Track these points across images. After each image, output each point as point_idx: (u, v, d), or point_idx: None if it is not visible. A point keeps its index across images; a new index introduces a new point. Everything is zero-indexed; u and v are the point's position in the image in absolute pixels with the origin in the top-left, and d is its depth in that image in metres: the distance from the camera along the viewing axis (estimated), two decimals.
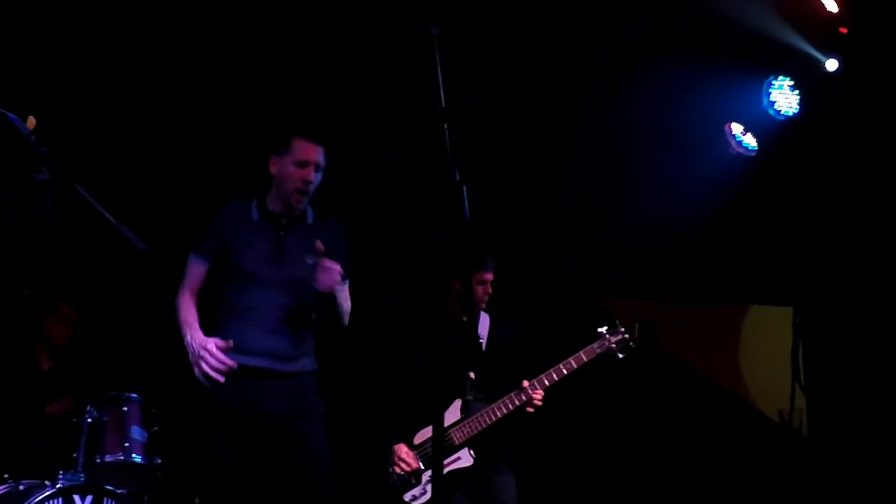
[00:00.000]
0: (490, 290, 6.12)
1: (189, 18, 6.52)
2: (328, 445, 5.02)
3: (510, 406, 5.82)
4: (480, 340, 6.13)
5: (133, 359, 6.58)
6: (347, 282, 5.04)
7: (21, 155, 3.21)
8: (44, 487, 5.33)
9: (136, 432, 5.78)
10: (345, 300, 5.06)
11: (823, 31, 7.12)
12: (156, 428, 5.85)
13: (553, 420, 6.46)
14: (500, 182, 7.20)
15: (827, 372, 7.73)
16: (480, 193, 3.62)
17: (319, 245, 4.79)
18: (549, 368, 5.94)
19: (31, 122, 3.20)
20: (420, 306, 6.36)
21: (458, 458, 5.80)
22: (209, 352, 4.79)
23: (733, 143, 7.51)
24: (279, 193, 5.02)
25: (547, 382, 5.87)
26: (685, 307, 8.58)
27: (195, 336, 4.89)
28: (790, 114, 7.35)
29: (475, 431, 5.82)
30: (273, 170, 5.02)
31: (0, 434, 6.04)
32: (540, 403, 5.87)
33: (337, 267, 4.79)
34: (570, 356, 5.96)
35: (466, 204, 3.38)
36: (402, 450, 5.85)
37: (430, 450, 5.83)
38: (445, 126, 3.45)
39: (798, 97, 7.34)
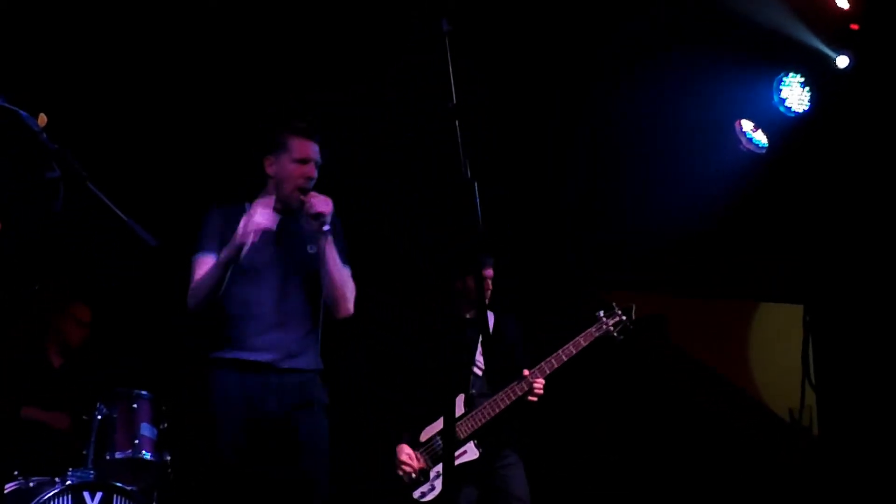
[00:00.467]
0: (490, 287, 6.10)
1: (199, 15, 6.51)
2: (329, 441, 4.93)
3: (512, 396, 5.81)
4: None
5: (143, 356, 6.60)
6: (349, 268, 4.94)
7: (32, 152, 3.20)
8: (53, 484, 5.34)
9: (146, 429, 5.78)
10: (347, 281, 4.91)
11: (835, 28, 7.11)
12: (165, 425, 5.84)
13: (563, 415, 6.46)
14: (505, 179, 7.18)
15: (837, 370, 7.71)
16: (484, 191, 3.60)
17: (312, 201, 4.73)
18: (549, 356, 5.92)
19: (42, 119, 3.19)
20: (420, 305, 6.36)
21: (465, 452, 5.79)
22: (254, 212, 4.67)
23: (744, 139, 7.49)
24: (279, 193, 4.87)
25: (547, 370, 5.85)
26: (695, 303, 8.57)
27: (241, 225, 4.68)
28: (801, 111, 7.34)
29: (479, 424, 5.81)
30: (271, 170, 4.90)
31: (9, 430, 6.06)
32: (541, 391, 5.84)
33: (329, 199, 4.73)
34: (569, 342, 5.93)
35: (478, 201, 3.36)
36: (404, 451, 5.84)
37: (436, 446, 5.83)
38: (457, 123, 3.43)
39: (809, 94, 7.33)
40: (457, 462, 5.72)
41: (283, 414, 4.79)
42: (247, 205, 4.85)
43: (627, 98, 7.25)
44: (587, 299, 6.97)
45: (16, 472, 5.43)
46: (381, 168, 7.18)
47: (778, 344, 8.28)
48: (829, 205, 7.67)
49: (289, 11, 6.62)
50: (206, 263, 4.80)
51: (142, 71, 6.66)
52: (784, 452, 8.02)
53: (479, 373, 5.98)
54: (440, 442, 5.83)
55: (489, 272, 6.06)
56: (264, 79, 6.90)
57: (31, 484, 5.37)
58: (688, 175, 7.49)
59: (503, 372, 5.88)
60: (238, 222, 4.71)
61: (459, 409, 5.86)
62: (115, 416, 5.70)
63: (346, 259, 4.93)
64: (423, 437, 5.91)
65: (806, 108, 7.33)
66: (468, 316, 6.14)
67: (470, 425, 5.81)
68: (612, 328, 5.96)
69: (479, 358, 6.02)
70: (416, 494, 5.79)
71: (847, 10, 6.94)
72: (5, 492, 5.34)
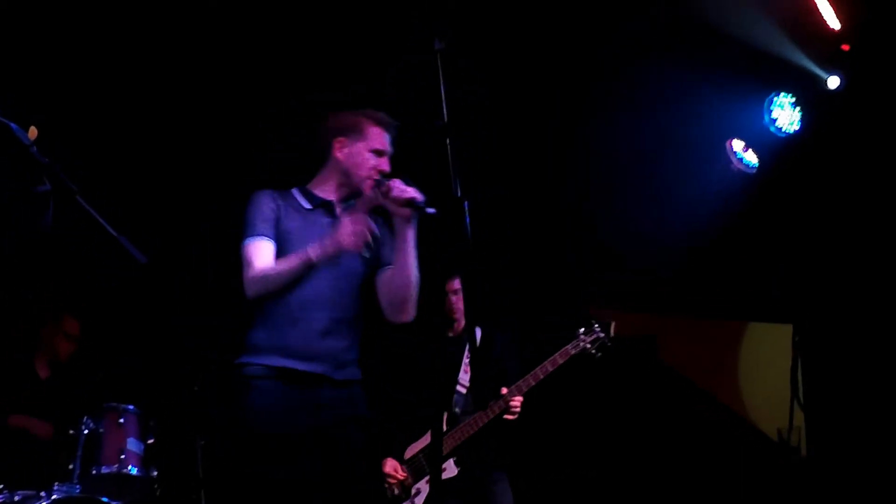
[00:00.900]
0: (462, 298, 6.09)
1: (187, 36, 6.51)
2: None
3: (490, 415, 5.83)
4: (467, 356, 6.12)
5: (130, 370, 6.59)
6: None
7: (22, 165, 3.19)
8: (39, 498, 5.30)
9: (133, 444, 5.76)
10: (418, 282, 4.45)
11: (826, 49, 7.13)
12: (152, 440, 5.82)
13: (554, 433, 6.46)
14: (498, 195, 7.19)
15: (826, 390, 7.72)
16: (479, 206, 3.60)
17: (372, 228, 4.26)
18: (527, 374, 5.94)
19: (33, 132, 3.18)
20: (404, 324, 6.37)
21: (444, 469, 5.81)
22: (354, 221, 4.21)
23: (734, 159, 7.50)
24: (347, 179, 4.47)
25: (524, 388, 5.87)
26: (685, 322, 8.58)
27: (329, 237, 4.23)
28: (791, 131, 7.36)
29: (457, 442, 5.83)
30: (341, 153, 4.47)
31: None
32: (519, 409, 5.85)
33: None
34: (546, 360, 5.95)
35: (468, 220, 3.36)
36: (388, 464, 5.89)
37: (419, 463, 5.86)
38: (448, 141, 3.43)
39: (800, 114, 7.35)
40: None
41: (334, 430, 4.38)
42: (294, 191, 4.53)
43: (618, 117, 7.26)
44: (575, 316, 6.96)
45: (1, 486, 5.40)
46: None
47: (767, 364, 8.28)
48: (819, 225, 7.69)
49: (280, 26, 6.61)
50: (265, 248, 4.35)
51: (135, 85, 6.65)
52: (773, 472, 8.01)
53: (463, 391, 6.00)
54: (423, 459, 5.85)
55: (454, 285, 6.07)
56: (252, 94, 6.90)
57: (17, 497, 5.33)
58: (679, 194, 7.50)
59: (488, 389, 5.89)
60: (290, 209, 4.41)
61: (442, 427, 5.88)
62: (101, 430, 5.68)
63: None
64: (408, 454, 5.92)
65: (797, 128, 7.36)
66: (451, 334, 6.16)
67: (449, 443, 5.83)
68: (589, 345, 5.98)
69: (464, 375, 6.03)
70: None
71: (838, 30, 6.96)
72: None
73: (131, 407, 5.84)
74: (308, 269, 4.23)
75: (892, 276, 7.42)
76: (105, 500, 5.40)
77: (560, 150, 7.58)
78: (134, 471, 5.68)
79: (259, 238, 4.35)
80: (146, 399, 6.02)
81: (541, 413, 6.11)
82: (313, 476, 4.28)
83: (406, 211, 4.23)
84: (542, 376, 5.92)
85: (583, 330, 6.01)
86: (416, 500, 5.83)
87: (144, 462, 5.75)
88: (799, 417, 7.43)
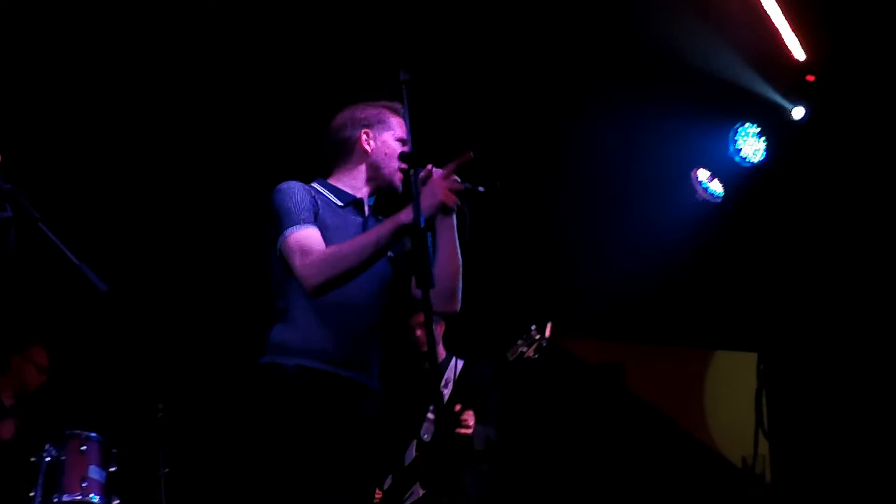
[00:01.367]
0: (421, 332, 6.12)
1: (150, 65, 6.49)
2: None
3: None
4: (446, 385, 6.14)
5: (93, 398, 6.55)
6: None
7: None
8: None
9: (95, 472, 5.72)
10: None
11: (791, 80, 7.20)
12: (114, 468, 5.78)
13: (518, 461, 6.46)
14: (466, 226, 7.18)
15: (790, 418, 7.75)
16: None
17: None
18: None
19: None
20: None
21: (412, 493, 5.82)
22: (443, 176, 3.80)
23: (700, 189, 7.55)
24: (377, 172, 4.14)
25: (472, 405, 5.90)
26: (652, 350, 8.61)
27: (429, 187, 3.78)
28: (756, 161, 7.42)
29: (422, 467, 5.86)
30: (369, 145, 4.14)
31: None
32: (470, 424, 5.85)
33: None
34: None
35: (431, 250, 3.36)
36: None
37: (389, 487, 5.88)
38: (411, 171, 3.42)
39: (765, 144, 7.41)
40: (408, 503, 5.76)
41: (368, 443, 4.02)
42: (318, 186, 4.12)
43: (585, 147, 7.29)
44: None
45: None
46: None
47: (732, 392, 8.32)
48: (784, 254, 7.74)
49: (240, 61, 6.60)
50: (314, 235, 3.87)
51: (97, 114, 6.62)
52: (738, 500, 8.03)
53: (433, 417, 6.01)
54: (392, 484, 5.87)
55: (419, 319, 6.07)
56: (232, 123, 6.89)
57: None
58: (645, 223, 7.53)
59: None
60: (325, 203, 3.99)
61: (412, 455, 5.88)
62: (63, 458, 5.64)
63: None
64: (386, 483, 5.93)
65: (762, 158, 7.42)
66: (427, 365, 6.17)
67: (417, 469, 5.85)
68: (525, 349, 5.98)
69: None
70: None
71: (803, 61, 7.02)
72: None
73: (94, 434, 5.80)
74: (397, 239, 3.74)
75: (854, 305, 7.48)
76: None
77: (528, 180, 7.59)
78: (96, 499, 5.64)
79: (305, 226, 3.86)
80: (109, 426, 5.98)
81: (507, 440, 6.11)
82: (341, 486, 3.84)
83: (453, 199, 3.89)
84: (483, 393, 5.95)
85: (522, 338, 6.03)
86: None
87: (106, 490, 5.72)
88: (763, 445, 7.45)
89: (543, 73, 6.87)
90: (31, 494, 5.52)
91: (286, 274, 3.89)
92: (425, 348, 6.12)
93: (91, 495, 5.63)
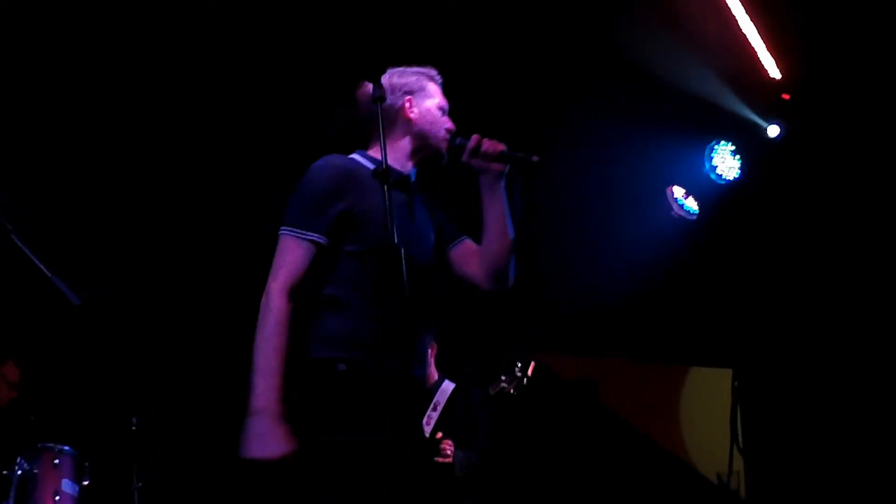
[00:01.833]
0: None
1: (121, 76, 6.47)
2: None
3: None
4: (435, 409, 6.18)
5: (66, 411, 6.51)
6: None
7: None
8: None
9: (68, 486, 5.67)
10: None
11: (766, 98, 7.24)
12: (87, 481, 5.75)
13: (493, 478, 6.45)
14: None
15: (765, 434, 7.78)
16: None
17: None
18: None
19: None
20: None
21: None
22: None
23: (675, 206, 7.58)
24: (423, 142, 3.85)
25: (455, 431, 5.96)
26: (627, 366, 8.63)
27: (274, 430, 3.33)
28: (731, 178, 7.46)
29: None
30: (412, 113, 3.84)
31: None
32: (450, 452, 5.88)
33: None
34: None
35: (404, 267, 3.33)
36: None
37: None
38: (385, 187, 3.41)
39: (739, 162, 7.46)
40: None
41: (419, 440, 3.87)
42: (359, 158, 3.80)
43: (560, 164, 7.31)
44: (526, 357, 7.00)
45: None
46: None
47: (708, 408, 8.34)
48: (759, 270, 7.78)
49: (211, 81, 6.60)
50: (299, 249, 3.55)
51: (70, 124, 6.60)
52: None
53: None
54: None
55: None
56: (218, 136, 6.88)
57: None
58: (620, 240, 7.56)
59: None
60: (362, 182, 3.63)
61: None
62: (35, 471, 5.59)
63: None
64: None
65: (736, 175, 7.46)
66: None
67: None
68: (505, 385, 6.04)
69: (426, 427, 6.06)
70: None
71: (778, 80, 7.07)
72: None
73: (67, 448, 5.76)
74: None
75: (829, 321, 7.52)
76: None
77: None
78: None
79: (305, 236, 3.54)
80: (82, 440, 5.95)
81: (489, 458, 6.15)
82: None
83: (499, 166, 3.76)
84: (470, 417, 6.01)
85: (504, 373, 6.09)
86: None
87: None
88: (738, 461, 7.47)
89: (521, 90, 6.89)
90: None
91: (335, 257, 3.59)
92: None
93: None
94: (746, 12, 6.74)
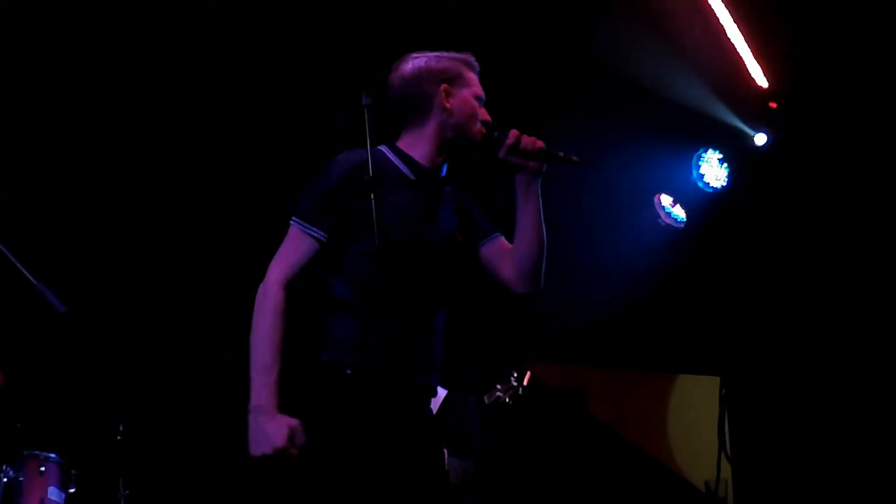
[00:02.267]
0: None
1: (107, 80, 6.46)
2: None
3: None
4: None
5: (52, 419, 6.50)
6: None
7: None
8: None
9: (54, 493, 5.65)
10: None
11: (753, 106, 7.26)
12: (74, 489, 5.73)
13: (489, 489, 6.46)
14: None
15: (753, 442, 7.79)
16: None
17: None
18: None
19: None
20: None
21: None
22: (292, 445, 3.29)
23: (662, 214, 7.59)
24: (459, 134, 3.65)
25: (450, 437, 5.97)
26: (614, 374, 8.63)
27: (269, 423, 3.28)
28: (719, 186, 7.47)
29: None
30: (449, 102, 3.63)
31: None
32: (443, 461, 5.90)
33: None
34: None
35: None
36: None
37: None
38: (372, 196, 3.38)
39: (727, 170, 7.47)
40: None
41: (430, 446, 3.68)
42: (386, 151, 3.65)
43: (546, 172, 7.31)
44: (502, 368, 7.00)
45: None
46: None
47: (695, 415, 8.35)
48: (746, 279, 7.79)
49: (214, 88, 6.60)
50: (302, 242, 3.50)
51: (54, 128, 6.58)
52: None
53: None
54: None
55: None
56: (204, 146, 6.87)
57: None
58: (608, 248, 7.56)
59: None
60: (390, 177, 3.55)
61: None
62: (21, 479, 5.57)
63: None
64: None
65: (724, 183, 7.47)
66: None
67: None
68: (502, 394, 6.05)
69: None
70: None
71: (766, 88, 7.08)
72: None
73: (53, 455, 5.74)
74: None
75: (817, 329, 7.54)
76: None
77: (490, 203, 7.60)
78: None
79: (308, 230, 3.47)
80: (68, 447, 5.93)
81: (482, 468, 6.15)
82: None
83: (538, 164, 3.62)
84: (464, 425, 6.01)
85: (500, 382, 6.09)
86: None
87: None
88: (726, 469, 7.48)
89: (506, 99, 6.88)
90: None
91: (350, 256, 3.52)
92: None
93: None
94: (734, 20, 6.75)
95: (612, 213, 7.54)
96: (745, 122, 7.35)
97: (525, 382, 6.02)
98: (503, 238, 3.79)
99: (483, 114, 3.69)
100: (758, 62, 6.96)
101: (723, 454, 7.31)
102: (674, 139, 7.29)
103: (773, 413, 7.76)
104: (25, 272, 3.32)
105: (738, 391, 7.74)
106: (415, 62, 3.68)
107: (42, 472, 5.64)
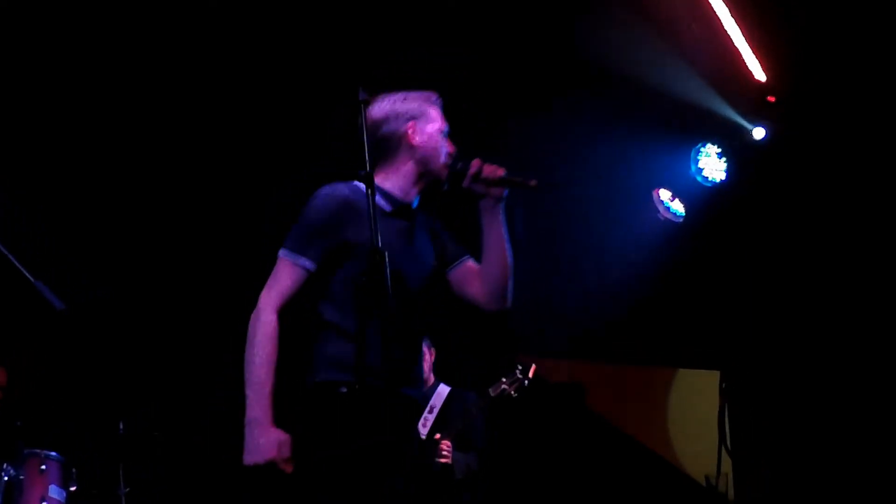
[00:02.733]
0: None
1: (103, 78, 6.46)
2: None
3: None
4: (431, 411, 6.24)
5: (53, 417, 6.50)
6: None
7: None
8: None
9: (55, 491, 5.66)
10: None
11: (751, 100, 7.26)
12: (74, 487, 5.73)
13: (479, 482, 6.47)
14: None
15: (753, 436, 7.79)
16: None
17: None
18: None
19: None
20: None
21: None
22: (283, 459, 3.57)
23: (661, 208, 7.59)
24: (426, 168, 3.90)
25: (453, 432, 5.98)
26: (613, 369, 8.63)
27: (263, 435, 3.57)
28: (718, 180, 7.47)
29: None
30: (416, 139, 3.89)
31: None
32: (447, 453, 5.91)
33: None
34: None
35: (388, 272, 3.35)
36: None
37: None
38: (368, 191, 3.42)
39: (726, 164, 7.47)
40: None
41: (418, 455, 4.00)
42: (358, 183, 3.81)
43: (547, 167, 7.32)
44: (503, 362, 7.02)
45: None
46: None
47: (695, 410, 8.35)
48: (745, 272, 7.79)
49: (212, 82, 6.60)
50: (292, 271, 3.76)
51: (52, 124, 6.58)
52: None
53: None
54: None
55: None
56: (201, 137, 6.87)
57: None
58: (607, 243, 7.57)
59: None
60: (364, 213, 3.60)
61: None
62: (22, 477, 5.58)
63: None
64: None
65: (723, 177, 7.47)
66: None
67: None
68: (507, 387, 6.06)
69: (422, 429, 6.10)
70: None
71: (764, 82, 7.08)
72: None
73: (54, 454, 5.75)
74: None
75: (816, 322, 7.54)
76: None
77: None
78: None
79: (297, 259, 3.73)
80: (69, 445, 5.94)
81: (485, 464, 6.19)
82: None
83: (499, 191, 3.83)
84: (467, 420, 6.04)
85: (506, 375, 6.10)
86: None
87: None
88: (727, 463, 7.48)
89: (505, 94, 6.90)
90: None
91: (337, 284, 3.75)
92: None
93: None
94: (731, 15, 6.75)
95: (611, 208, 7.55)
96: (744, 116, 7.35)
97: (530, 375, 6.05)
98: (472, 260, 4.00)
99: (448, 145, 3.93)
100: (756, 56, 6.96)
101: (723, 448, 7.30)
102: (672, 134, 7.30)
103: (773, 407, 7.76)
104: (24, 270, 3.31)
105: (738, 385, 7.74)
106: (381, 106, 3.93)
107: (43, 470, 5.65)
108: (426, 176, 3.90)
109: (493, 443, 6.33)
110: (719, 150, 7.49)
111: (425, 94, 4.00)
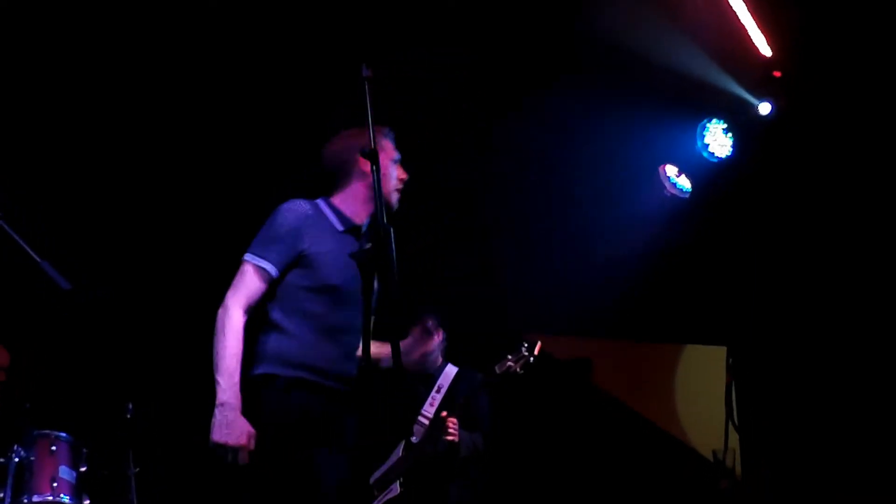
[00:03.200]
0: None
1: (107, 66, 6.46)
2: None
3: (429, 437, 5.95)
4: (438, 391, 6.28)
5: (61, 397, 6.51)
6: None
7: None
8: None
9: (65, 472, 5.65)
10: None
11: (757, 75, 7.24)
12: (85, 467, 5.74)
13: (487, 458, 6.49)
14: (435, 221, 7.23)
15: (760, 412, 7.79)
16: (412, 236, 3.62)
17: None
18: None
19: None
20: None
21: (390, 490, 5.87)
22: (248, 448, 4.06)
23: (668, 184, 7.59)
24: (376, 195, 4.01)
25: (459, 410, 6.01)
26: (620, 345, 8.64)
27: (237, 419, 4.06)
28: (724, 156, 7.46)
29: (407, 466, 5.90)
30: (366, 167, 4.25)
31: None
32: (454, 431, 5.94)
33: None
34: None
35: (394, 248, 3.39)
36: None
37: (378, 485, 5.91)
38: (372, 168, 3.46)
39: (731, 140, 7.46)
40: (385, 499, 5.81)
41: (354, 448, 4.44)
42: (322, 205, 4.41)
43: (553, 144, 7.32)
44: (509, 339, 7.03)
45: None
46: None
47: (703, 386, 8.36)
48: (752, 248, 7.78)
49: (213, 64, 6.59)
50: (256, 276, 4.26)
51: (57, 109, 6.58)
52: (708, 494, 8.07)
53: (425, 422, 6.10)
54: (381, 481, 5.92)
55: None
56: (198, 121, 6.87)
57: None
58: (613, 219, 7.57)
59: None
60: (321, 230, 4.29)
61: (399, 454, 5.93)
62: (32, 458, 5.57)
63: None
64: (373, 478, 5.97)
65: (729, 153, 7.46)
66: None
67: (397, 468, 5.89)
68: (512, 363, 6.06)
69: (429, 408, 6.14)
70: None
71: (769, 57, 7.06)
72: None
73: (63, 434, 5.75)
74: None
75: (823, 298, 7.53)
76: None
77: (495, 177, 7.62)
78: (66, 499, 5.57)
79: (260, 263, 4.23)
80: (78, 426, 5.94)
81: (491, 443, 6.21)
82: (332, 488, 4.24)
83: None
84: (469, 397, 6.08)
85: (511, 353, 6.11)
86: None
87: (77, 490, 5.66)
88: (734, 439, 7.49)
89: (511, 71, 6.89)
90: (0, 496, 5.48)
91: (287, 288, 4.27)
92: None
93: (61, 496, 5.56)
94: None
95: (617, 184, 7.55)
96: (750, 92, 7.33)
97: (536, 352, 6.06)
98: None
99: (402, 172, 4.47)
100: (761, 31, 6.93)
101: (730, 423, 7.30)
102: (678, 110, 7.28)
103: (780, 382, 7.77)
104: (29, 251, 3.33)
105: (745, 361, 7.73)
106: (336, 139, 4.49)
107: (53, 451, 5.65)
108: (373, 202, 4.06)
109: (499, 420, 6.35)
110: (725, 126, 7.47)
111: (379, 127, 4.24)
